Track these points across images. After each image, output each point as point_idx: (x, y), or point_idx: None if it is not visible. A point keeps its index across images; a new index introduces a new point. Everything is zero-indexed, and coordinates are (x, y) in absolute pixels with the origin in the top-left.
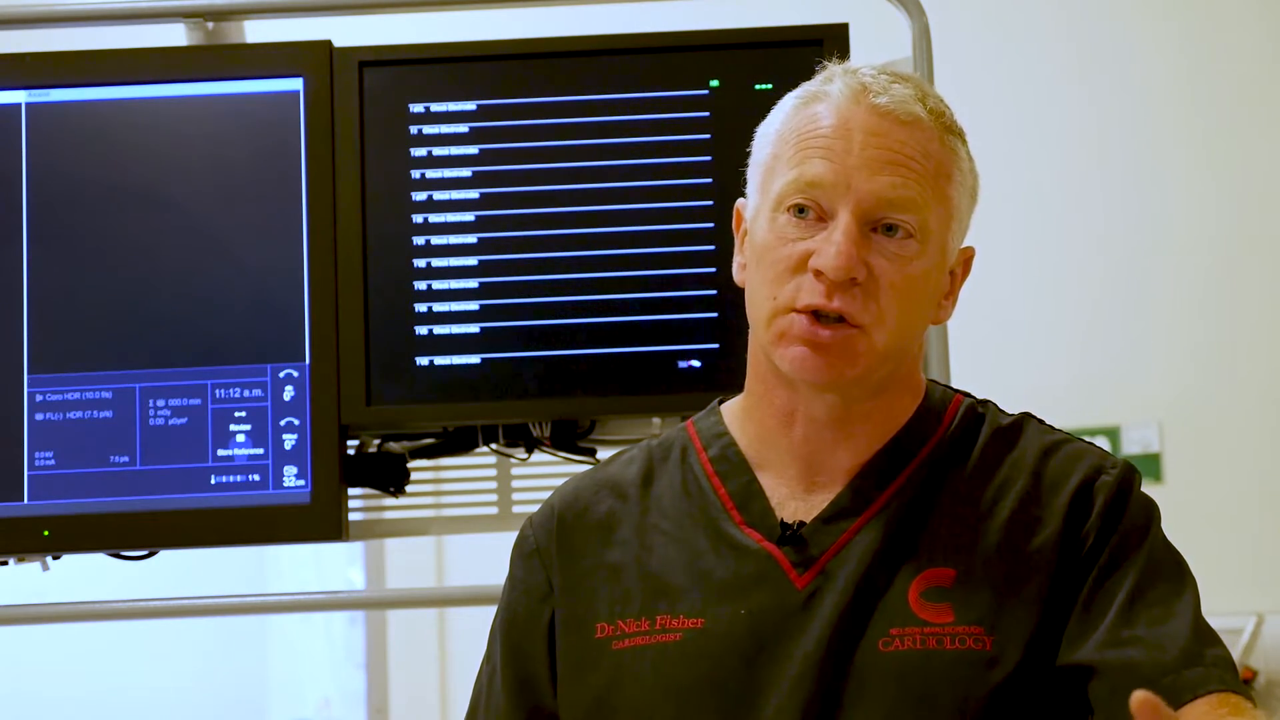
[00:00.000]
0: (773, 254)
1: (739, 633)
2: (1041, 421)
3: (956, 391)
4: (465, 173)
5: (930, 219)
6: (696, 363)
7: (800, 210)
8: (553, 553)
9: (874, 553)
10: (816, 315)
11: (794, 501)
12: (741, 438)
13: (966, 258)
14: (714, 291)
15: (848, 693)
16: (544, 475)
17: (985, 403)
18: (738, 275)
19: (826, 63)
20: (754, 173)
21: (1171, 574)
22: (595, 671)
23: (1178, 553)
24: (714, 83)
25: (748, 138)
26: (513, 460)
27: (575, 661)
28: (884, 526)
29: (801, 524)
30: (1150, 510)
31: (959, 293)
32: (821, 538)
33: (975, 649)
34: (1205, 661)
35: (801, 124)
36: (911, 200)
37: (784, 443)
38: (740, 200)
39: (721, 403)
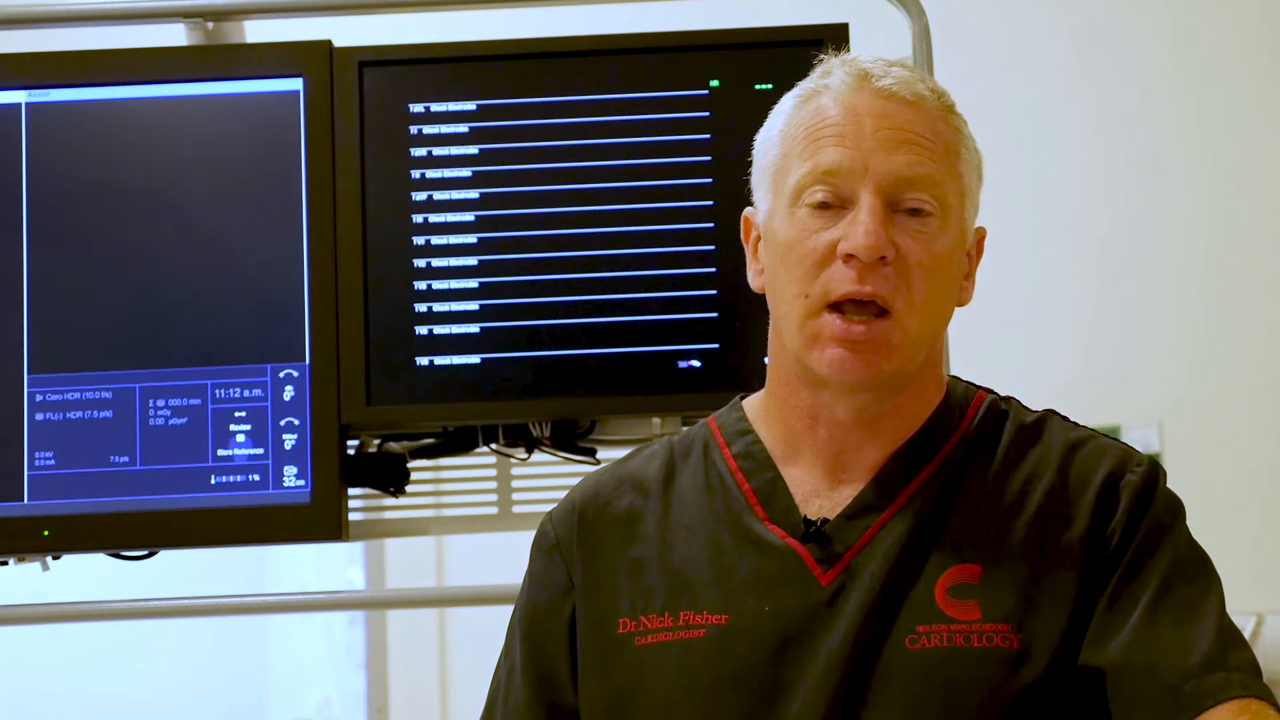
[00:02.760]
0: (798, 250)
1: (763, 629)
2: (1065, 418)
3: (979, 388)
4: (465, 173)
5: (948, 194)
6: (696, 363)
7: (823, 205)
8: (573, 548)
9: (899, 549)
10: (848, 310)
11: (818, 498)
12: (765, 435)
13: (979, 238)
14: (714, 291)
15: (873, 690)
16: (544, 475)
17: (1008, 399)
18: (755, 282)
19: (823, 56)
20: (761, 178)
21: (1197, 574)
22: (617, 668)
23: (1203, 551)
24: (714, 83)
25: (748, 138)
26: (513, 460)
27: (597, 657)
28: (909, 522)
29: (825, 520)
30: (1176, 508)
31: (976, 274)
32: (846, 534)
33: (1002, 646)
34: (1228, 666)
35: (807, 118)
36: (929, 177)
37: (808, 442)
38: (748, 210)
39: (743, 399)
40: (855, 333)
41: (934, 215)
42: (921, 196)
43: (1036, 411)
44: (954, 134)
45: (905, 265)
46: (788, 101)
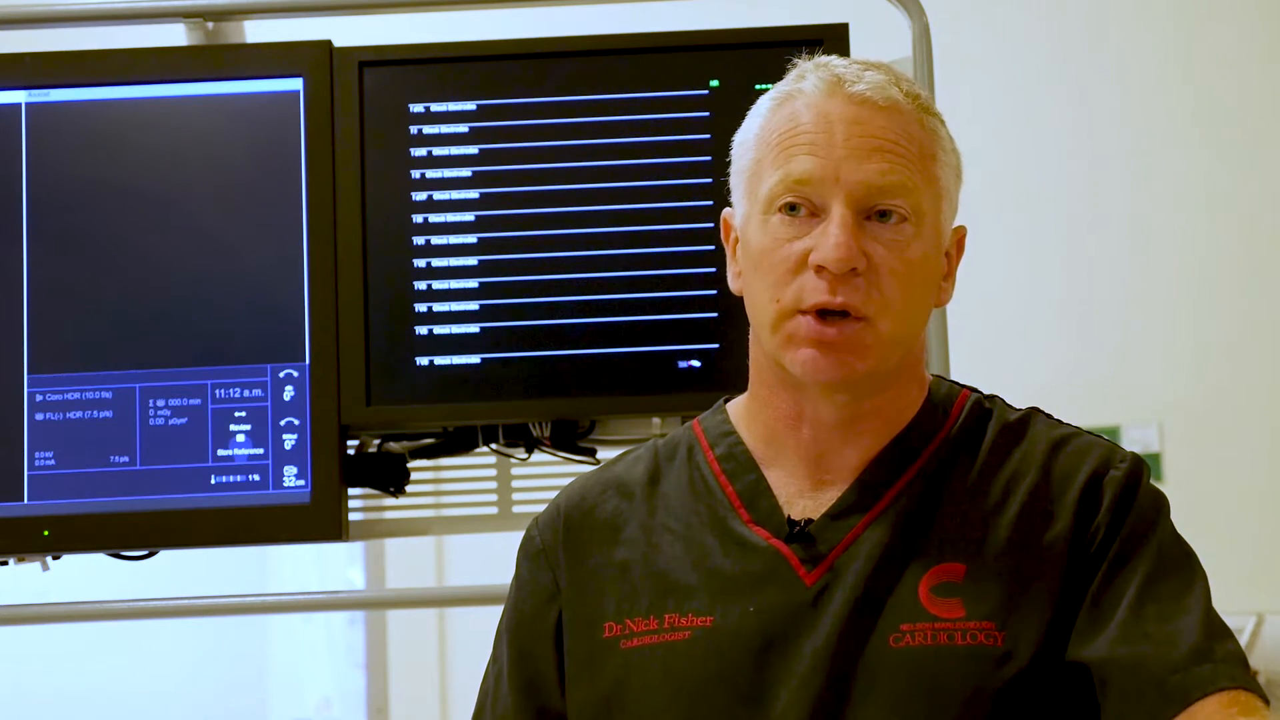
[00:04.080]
0: (770, 257)
1: (748, 630)
2: (1049, 416)
3: (963, 387)
4: (465, 173)
5: (922, 201)
6: (696, 363)
7: (792, 208)
8: (559, 553)
9: (883, 548)
10: (822, 315)
11: (802, 499)
12: (748, 436)
13: (959, 237)
14: (714, 291)
15: (858, 688)
16: (544, 475)
17: (992, 398)
18: (734, 284)
19: (797, 60)
20: (738, 180)
21: (1181, 568)
22: (603, 671)
23: (1187, 545)
24: (714, 83)
25: None
26: (513, 460)
27: (583, 661)
28: (892, 522)
29: (809, 521)
30: (1159, 503)
31: (956, 273)
32: (829, 534)
33: (986, 644)
34: (1215, 658)
35: (781, 124)
36: (901, 184)
37: (791, 443)
38: (726, 210)
39: (727, 401)
40: (828, 334)
41: (907, 223)
42: (893, 204)
43: (1020, 410)
44: (929, 137)
45: (877, 275)
46: (763, 104)
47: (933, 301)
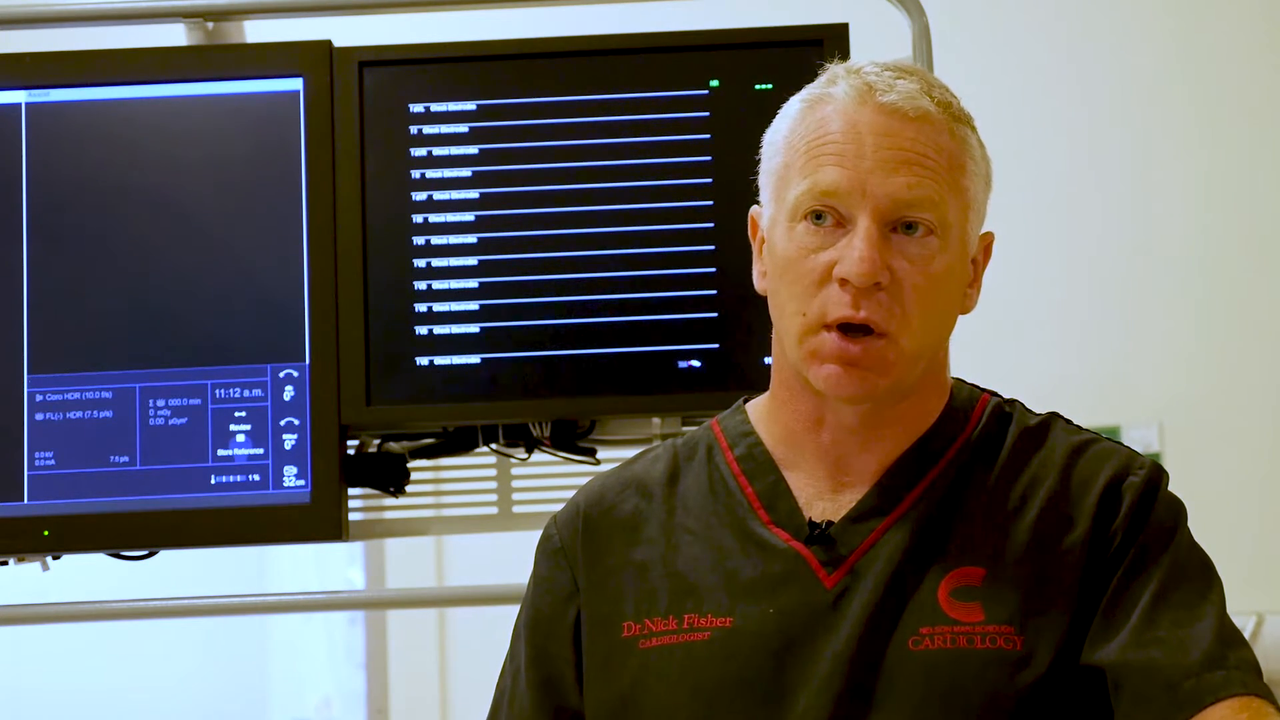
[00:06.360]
0: (796, 268)
1: (768, 632)
2: (1069, 421)
3: (983, 391)
4: (465, 173)
5: (949, 214)
6: (696, 363)
7: (818, 217)
8: (578, 551)
9: (903, 552)
10: (845, 330)
11: (821, 501)
12: (768, 437)
13: (986, 244)
14: (714, 291)
15: (877, 691)
16: (544, 475)
17: (1012, 402)
18: (759, 284)
19: (827, 64)
20: (766, 181)
21: (1197, 575)
22: (622, 670)
23: (1204, 553)
24: (714, 83)
25: (748, 138)
26: (513, 460)
27: (601, 661)
28: (912, 526)
29: (829, 523)
30: (1177, 511)
31: (982, 279)
32: (850, 537)
33: (1005, 648)
34: (1228, 664)
35: (810, 129)
36: (928, 198)
37: (811, 445)
38: (754, 208)
39: (746, 401)
40: (852, 351)
41: (932, 235)
42: (919, 217)
43: (1040, 414)
44: (959, 146)
45: (900, 289)
46: (793, 106)
47: (957, 310)
